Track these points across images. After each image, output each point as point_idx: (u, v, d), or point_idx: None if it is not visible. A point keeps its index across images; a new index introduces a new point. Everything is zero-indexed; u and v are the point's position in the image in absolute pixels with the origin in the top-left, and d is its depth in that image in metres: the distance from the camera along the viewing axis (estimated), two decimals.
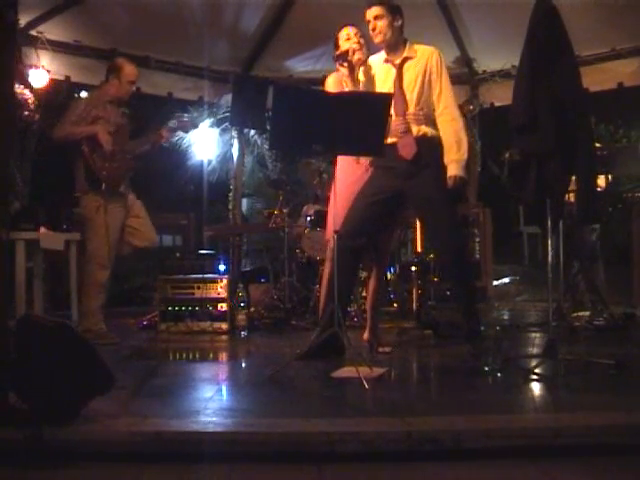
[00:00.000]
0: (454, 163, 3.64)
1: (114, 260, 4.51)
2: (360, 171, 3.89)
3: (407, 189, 3.65)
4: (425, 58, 3.68)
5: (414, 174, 3.61)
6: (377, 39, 3.69)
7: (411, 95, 3.65)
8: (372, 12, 3.66)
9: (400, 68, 3.68)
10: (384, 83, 3.70)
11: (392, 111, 3.60)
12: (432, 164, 3.64)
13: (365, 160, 3.87)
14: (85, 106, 4.43)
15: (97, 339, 4.25)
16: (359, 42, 3.94)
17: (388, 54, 3.72)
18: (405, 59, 3.69)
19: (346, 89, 3.87)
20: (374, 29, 3.65)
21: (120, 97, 4.55)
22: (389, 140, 3.63)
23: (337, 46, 4.00)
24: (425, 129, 3.65)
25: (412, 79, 3.66)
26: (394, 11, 3.67)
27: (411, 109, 3.65)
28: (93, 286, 4.40)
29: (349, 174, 3.88)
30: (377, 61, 3.77)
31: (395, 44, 3.69)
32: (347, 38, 3.97)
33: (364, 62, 3.86)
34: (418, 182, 3.61)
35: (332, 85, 3.97)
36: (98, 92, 4.66)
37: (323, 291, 4.05)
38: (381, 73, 3.73)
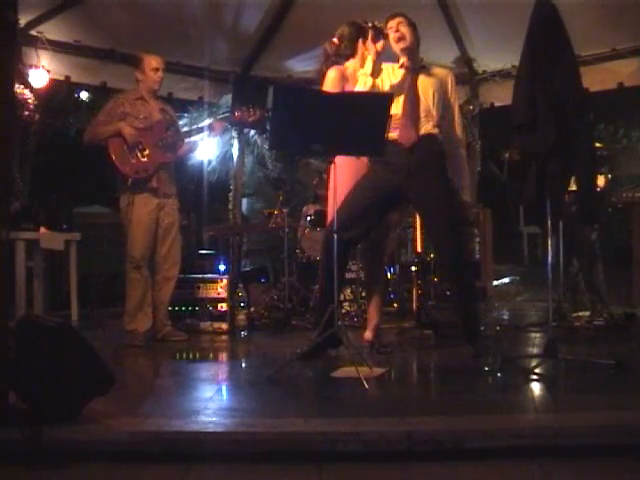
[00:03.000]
0: (467, 190, 3.87)
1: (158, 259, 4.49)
2: (361, 165, 3.86)
3: (407, 187, 3.65)
4: (442, 75, 3.79)
5: (414, 171, 3.61)
6: (401, 45, 3.71)
7: (426, 101, 3.68)
8: (396, 20, 3.72)
9: (416, 73, 3.72)
10: (396, 84, 3.71)
11: (400, 111, 3.63)
12: (433, 164, 3.64)
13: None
14: (112, 105, 4.46)
15: (127, 340, 4.33)
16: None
17: (406, 60, 3.74)
18: (422, 67, 3.75)
19: (348, 87, 3.86)
20: (397, 32, 3.70)
21: (150, 88, 4.51)
22: (391, 135, 3.62)
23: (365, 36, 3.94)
24: (432, 130, 3.67)
25: (428, 86, 3.71)
26: (413, 25, 3.75)
27: (423, 113, 3.66)
28: (129, 286, 4.39)
29: (352, 169, 3.86)
30: (391, 67, 3.79)
31: (414, 53, 3.75)
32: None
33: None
34: (418, 181, 3.61)
35: (332, 79, 3.91)
36: (127, 91, 4.68)
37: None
38: (396, 77, 3.75)
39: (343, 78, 3.91)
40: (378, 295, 4.09)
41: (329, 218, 4.01)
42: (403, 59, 3.75)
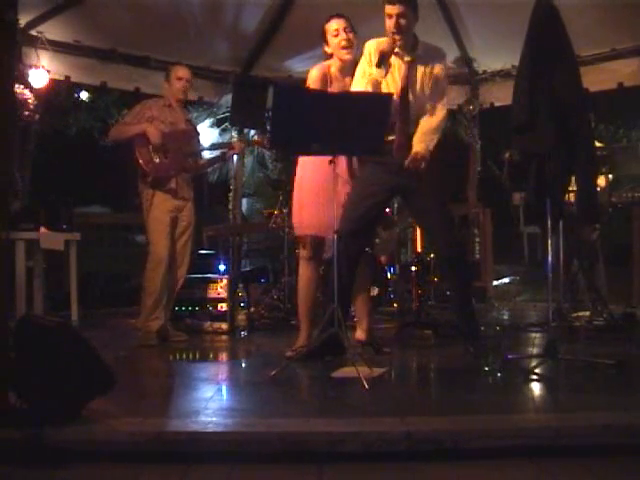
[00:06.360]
0: (421, 144, 3.53)
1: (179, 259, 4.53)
2: (330, 171, 3.53)
3: (402, 186, 3.65)
4: (433, 63, 3.61)
5: (408, 172, 3.60)
6: (397, 37, 3.50)
7: (415, 97, 3.61)
8: (396, 9, 3.45)
9: (409, 67, 3.59)
10: (390, 76, 3.59)
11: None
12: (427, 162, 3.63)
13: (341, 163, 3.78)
14: (140, 108, 4.57)
15: (141, 339, 4.36)
16: (348, 38, 3.82)
17: (400, 48, 3.57)
18: (416, 59, 3.59)
19: (332, 86, 3.83)
20: (397, 26, 3.47)
21: (176, 97, 4.61)
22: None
23: (326, 40, 3.90)
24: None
25: (419, 81, 3.60)
26: (415, 8, 3.54)
27: (413, 110, 3.63)
28: (147, 283, 4.42)
29: (319, 172, 3.71)
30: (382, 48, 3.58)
31: (409, 41, 3.58)
32: (335, 34, 3.84)
33: (353, 60, 3.78)
34: (413, 180, 3.60)
35: (315, 77, 3.84)
36: (157, 98, 4.80)
37: (304, 295, 3.89)
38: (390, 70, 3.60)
39: (325, 77, 3.85)
40: (365, 294, 4.02)
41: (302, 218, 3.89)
42: (397, 49, 3.57)
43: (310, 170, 3.81)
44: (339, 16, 3.89)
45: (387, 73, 3.56)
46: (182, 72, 4.63)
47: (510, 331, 4.88)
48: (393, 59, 3.60)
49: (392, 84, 3.61)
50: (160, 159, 4.43)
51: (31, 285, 5.23)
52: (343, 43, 3.82)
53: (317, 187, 3.75)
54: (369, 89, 3.54)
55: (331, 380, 3.25)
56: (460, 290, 3.75)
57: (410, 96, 3.61)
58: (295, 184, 3.94)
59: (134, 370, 3.81)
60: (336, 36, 3.85)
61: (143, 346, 4.32)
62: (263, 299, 5.64)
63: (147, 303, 4.40)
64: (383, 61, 3.49)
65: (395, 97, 3.57)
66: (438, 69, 3.63)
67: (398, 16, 3.48)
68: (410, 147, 3.57)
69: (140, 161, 4.40)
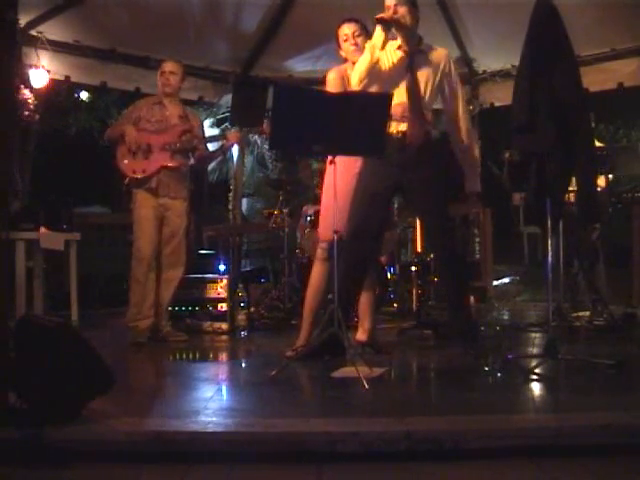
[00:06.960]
0: (473, 179, 3.75)
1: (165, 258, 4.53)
2: (358, 166, 3.78)
3: (404, 180, 3.65)
4: (439, 58, 3.70)
5: (410, 166, 3.60)
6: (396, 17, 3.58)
7: (424, 87, 3.64)
8: (394, 0, 3.59)
9: (414, 58, 3.64)
10: (395, 69, 3.65)
11: (406, 105, 3.60)
12: (428, 159, 3.62)
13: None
14: (132, 109, 4.65)
15: (130, 337, 4.38)
16: (356, 43, 3.85)
17: (403, 42, 3.66)
18: (420, 51, 3.67)
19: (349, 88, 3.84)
20: (395, 14, 3.57)
21: (162, 92, 4.62)
22: (390, 128, 3.60)
23: (339, 44, 3.95)
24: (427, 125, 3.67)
25: (425, 72, 3.65)
26: (414, 3, 3.65)
27: (424, 100, 3.64)
28: (132, 280, 4.46)
29: (349, 169, 3.79)
30: (389, 45, 3.67)
31: (411, 34, 3.65)
32: (345, 39, 3.89)
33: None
34: (414, 175, 3.60)
35: (333, 80, 3.89)
36: (149, 96, 4.87)
37: (312, 295, 3.90)
38: (393, 58, 3.67)
39: (343, 79, 3.90)
40: (368, 295, 4.00)
41: (325, 218, 3.92)
42: (397, 41, 3.65)
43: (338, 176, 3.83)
44: (350, 20, 3.94)
45: (387, 41, 3.57)
46: (165, 66, 4.64)
47: (510, 331, 4.87)
48: (397, 52, 3.65)
49: (392, 71, 3.63)
50: (139, 159, 4.43)
51: (31, 285, 5.23)
52: (352, 48, 3.87)
53: (338, 191, 3.76)
54: (367, 57, 3.56)
55: (331, 380, 3.25)
56: (457, 291, 3.74)
57: (419, 85, 3.63)
58: (324, 189, 3.97)
59: (134, 370, 3.81)
60: (346, 41, 3.91)
61: (133, 344, 4.31)
62: (263, 299, 5.64)
63: (131, 301, 4.42)
64: (384, 23, 3.52)
65: (403, 88, 3.60)
66: (445, 61, 3.71)
67: (396, 5, 3.58)
68: (424, 133, 3.60)
69: (118, 162, 4.44)
